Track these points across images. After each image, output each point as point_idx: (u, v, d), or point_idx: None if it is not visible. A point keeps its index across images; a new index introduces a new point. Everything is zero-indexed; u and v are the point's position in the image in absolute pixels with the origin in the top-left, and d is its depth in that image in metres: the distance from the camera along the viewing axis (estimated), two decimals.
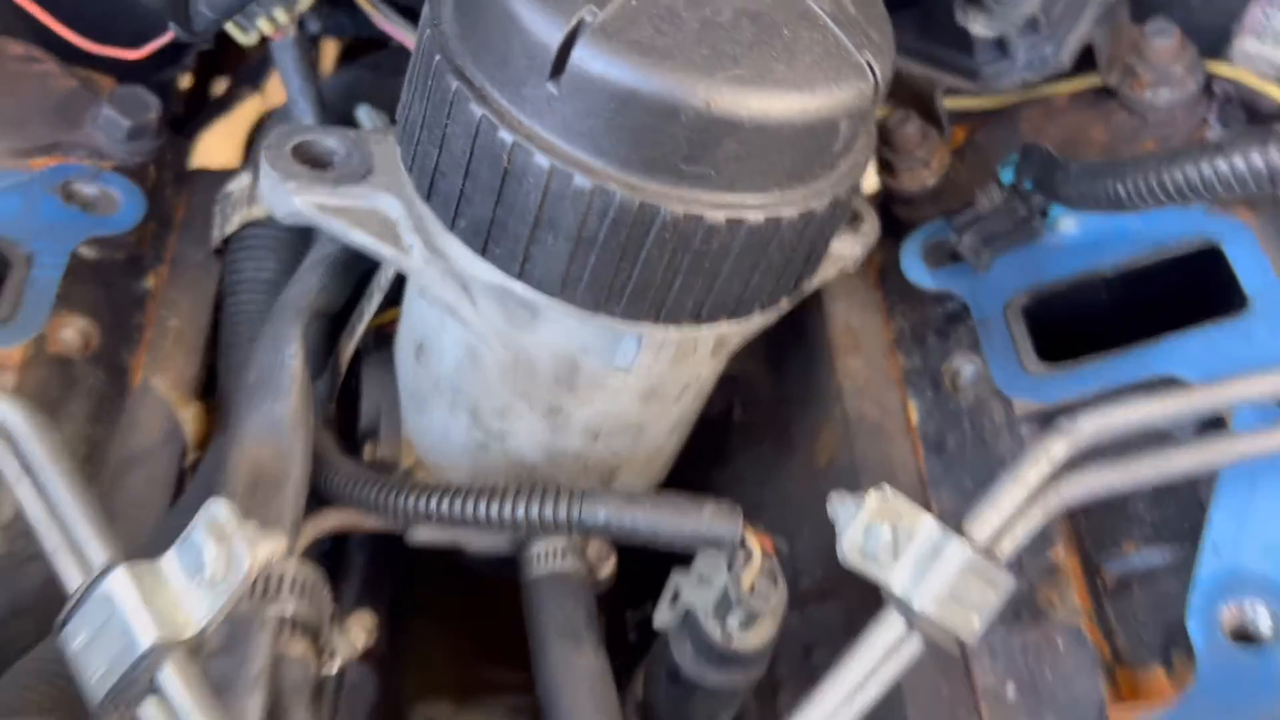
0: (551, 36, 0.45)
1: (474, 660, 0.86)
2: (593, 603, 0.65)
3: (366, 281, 0.67)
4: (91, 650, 0.48)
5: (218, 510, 0.48)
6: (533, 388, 0.59)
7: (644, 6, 0.45)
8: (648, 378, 0.59)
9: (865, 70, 0.48)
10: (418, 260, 0.56)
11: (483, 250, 0.51)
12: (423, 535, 0.67)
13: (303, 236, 0.77)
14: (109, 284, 0.74)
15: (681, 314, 0.53)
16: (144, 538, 0.63)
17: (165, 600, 0.48)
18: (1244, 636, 0.56)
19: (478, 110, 0.47)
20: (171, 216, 0.80)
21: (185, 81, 0.99)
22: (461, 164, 0.49)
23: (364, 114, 0.75)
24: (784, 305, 0.59)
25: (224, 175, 0.83)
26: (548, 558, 0.66)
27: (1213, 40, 0.75)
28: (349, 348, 0.67)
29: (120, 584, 0.48)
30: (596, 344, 0.55)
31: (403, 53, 0.67)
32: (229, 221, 0.77)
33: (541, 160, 0.47)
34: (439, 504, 0.60)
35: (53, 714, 0.49)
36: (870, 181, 0.78)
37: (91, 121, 0.76)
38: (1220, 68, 0.73)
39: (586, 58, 0.45)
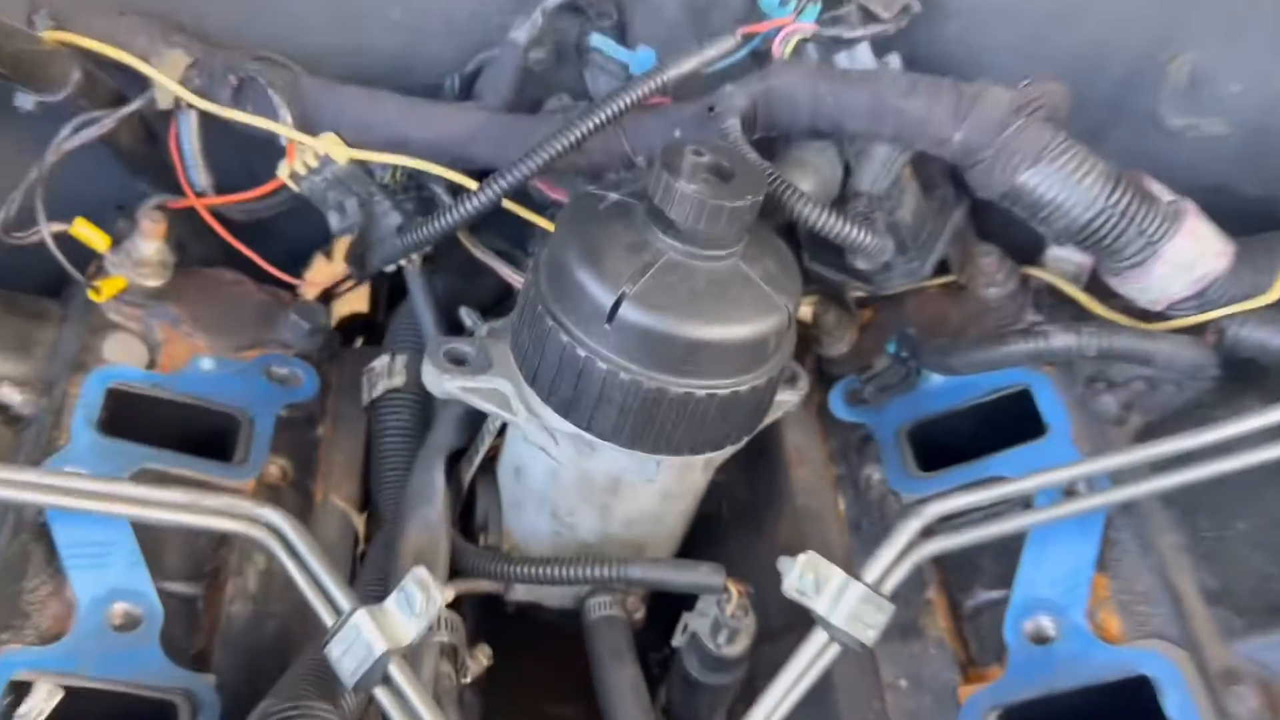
0: (608, 301, 0.81)
1: (544, 696, 1.19)
2: (631, 636, 1.00)
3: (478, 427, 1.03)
4: (345, 658, 0.81)
5: (422, 574, 0.82)
6: (591, 494, 0.95)
7: (657, 283, 0.82)
8: (664, 486, 0.94)
9: (782, 309, 0.85)
10: (522, 418, 0.92)
11: (565, 415, 0.87)
12: (518, 594, 1.01)
13: (426, 398, 1.13)
14: (297, 434, 1.09)
15: (684, 448, 0.88)
16: None
17: (389, 626, 0.81)
18: (1039, 639, 0.90)
19: (564, 339, 0.84)
20: (331, 385, 1.17)
21: None
22: (554, 367, 0.85)
23: (465, 314, 1.11)
24: (747, 438, 0.95)
25: (367, 354, 1.20)
26: (600, 606, 1.00)
27: (1033, 249, 1.12)
28: (469, 473, 1.02)
29: (361, 618, 0.82)
30: (632, 467, 0.90)
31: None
32: (375, 388, 1.13)
33: (602, 366, 0.83)
34: (531, 570, 0.94)
35: (321, 698, 0.82)
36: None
37: (282, 324, 1.13)
38: (1033, 270, 1.10)
39: (628, 312, 0.81)
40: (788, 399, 1.02)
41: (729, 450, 0.94)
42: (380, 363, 1.15)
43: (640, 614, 1.04)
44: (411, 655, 0.86)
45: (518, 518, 1.02)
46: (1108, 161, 0.91)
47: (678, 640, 0.95)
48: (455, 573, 0.98)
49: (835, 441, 1.13)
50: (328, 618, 0.84)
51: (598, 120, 0.95)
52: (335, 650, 0.82)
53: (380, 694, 0.82)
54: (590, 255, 0.83)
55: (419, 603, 0.82)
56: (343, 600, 0.84)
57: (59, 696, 0.80)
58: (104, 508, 0.86)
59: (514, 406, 0.92)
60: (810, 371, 1.12)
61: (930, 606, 0.97)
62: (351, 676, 0.81)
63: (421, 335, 1.14)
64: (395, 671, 0.81)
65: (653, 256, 0.83)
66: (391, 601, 0.83)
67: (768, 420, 1.00)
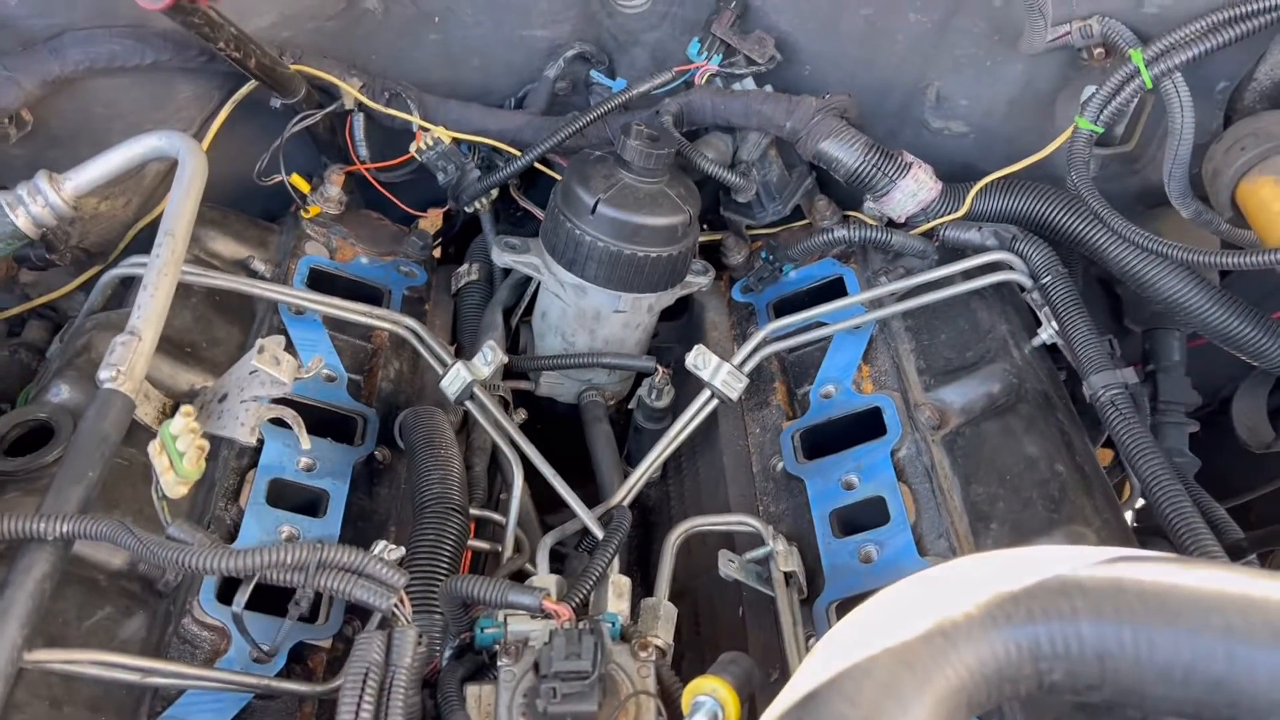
0: (591, 202, 1.55)
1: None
2: (606, 411, 1.72)
3: (522, 291, 1.77)
4: (450, 386, 1.54)
5: (492, 342, 1.55)
6: (584, 323, 1.68)
7: (618, 194, 1.55)
8: (625, 317, 1.67)
9: (687, 212, 1.58)
10: (546, 277, 1.65)
11: (569, 269, 1.61)
12: (541, 388, 1.75)
13: (488, 288, 1.87)
14: (414, 305, 1.84)
15: (636, 288, 1.61)
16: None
17: (474, 369, 1.54)
18: (826, 396, 1.62)
19: (569, 225, 1.58)
20: (432, 281, 1.91)
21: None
22: (564, 242, 1.59)
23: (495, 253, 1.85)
24: (677, 291, 1.67)
25: (450, 269, 1.95)
26: (589, 396, 1.73)
27: (855, 202, 1.85)
28: (516, 316, 1.76)
29: (459, 365, 1.54)
30: (607, 302, 1.63)
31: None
32: (459, 282, 1.88)
33: (589, 239, 1.56)
34: (546, 362, 1.68)
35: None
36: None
37: (406, 242, 1.89)
38: (853, 214, 1.83)
39: (602, 209, 1.55)
40: (700, 281, 1.76)
41: (663, 297, 1.66)
42: (462, 268, 1.90)
43: (614, 403, 1.77)
44: (486, 389, 1.58)
45: (542, 343, 1.76)
46: (869, 137, 1.65)
47: (632, 404, 1.68)
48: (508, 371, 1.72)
49: (735, 315, 1.85)
50: (440, 369, 1.58)
51: (591, 118, 1.71)
52: (445, 382, 1.55)
53: (470, 405, 1.55)
54: (583, 180, 1.58)
55: (490, 357, 1.56)
56: (448, 359, 1.58)
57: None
58: (318, 308, 1.60)
59: (541, 269, 1.66)
60: (723, 278, 1.86)
61: (775, 390, 1.68)
62: (454, 395, 1.54)
63: (486, 252, 1.89)
64: (478, 391, 1.54)
65: (616, 180, 1.57)
66: (475, 358, 1.56)
67: (687, 292, 1.73)
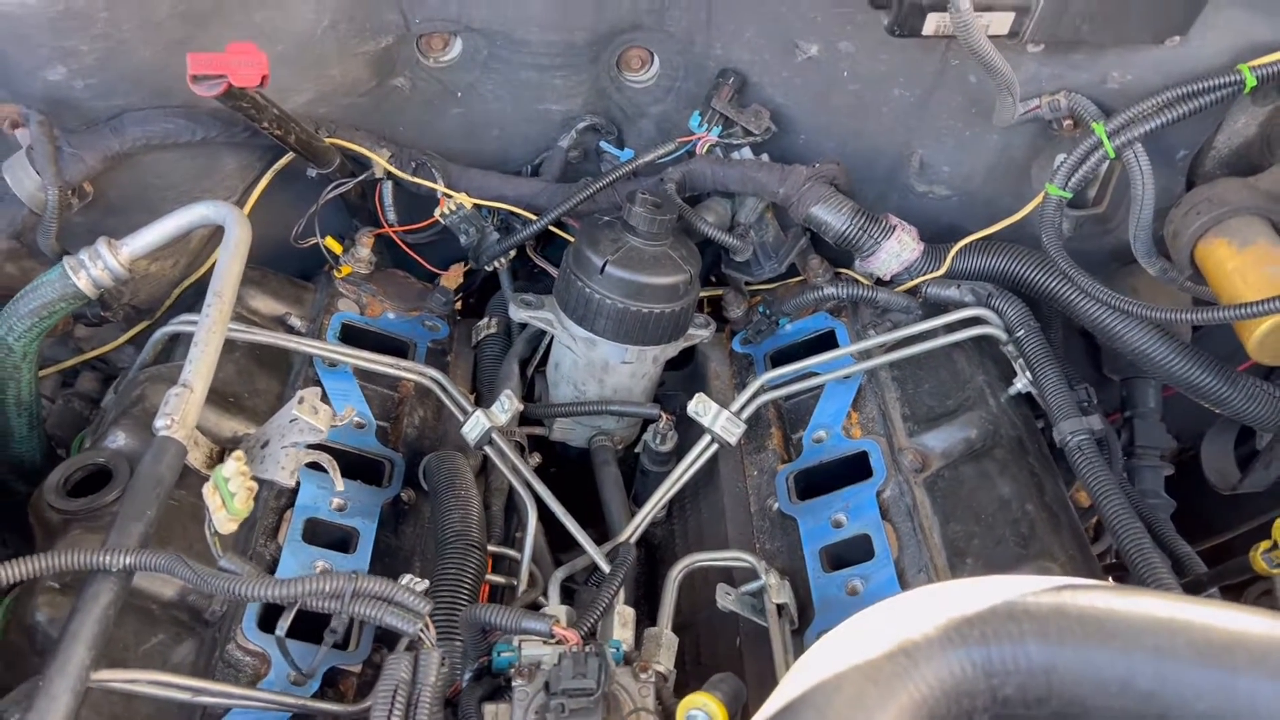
0: (600, 263, 1.69)
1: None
2: (615, 455, 1.85)
3: (537, 343, 1.91)
4: (470, 432, 1.67)
5: (509, 393, 1.69)
6: (593, 373, 1.81)
7: (624, 256, 1.70)
8: (632, 368, 1.80)
9: (688, 272, 1.72)
10: (559, 331, 1.79)
11: (580, 324, 1.74)
12: (555, 434, 1.88)
13: (506, 340, 2.01)
14: (438, 355, 1.98)
15: (642, 341, 1.74)
16: None
17: (493, 416, 1.67)
18: (818, 440, 1.74)
19: (580, 284, 1.72)
20: (454, 334, 2.06)
21: None
22: (575, 299, 1.73)
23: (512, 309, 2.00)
24: (680, 343, 1.81)
25: (470, 322, 2.09)
26: (599, 440, 1.86)
27: (848, 260, 1.99)
28: (531, 366, 1.90)
29: (479, 413, 1.67)
30: (615, 354, 1.77)
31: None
32: (479, 335, 2.02)
33: (598, 297, 1.70)
34: (559, 410, 1.81)
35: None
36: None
37: (430, 299, 2.03)
38: (845, 271, 1.97)
39: (610, 270, 1.69)
40: (702, 334, 1.89)
41: (667, 349, 1.80)
42: (482, 322, 2.04)
43: (622, 447, 1.89)
44: (503, 434, 1.71)
45: (555, 392, 1.89)
46: (856, 203, 1.79)
47: (638, 449, 1.81)
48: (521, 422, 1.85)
49: (736, 365, 1.98)
50: (461, 417, 1.71)
51: (601, 185, 1.86)
52: (466, 429, 1.69)
53: (488, 449, 1.68)
54: (592, 243, 1.72)
55: (507, 405, 1.69)
56: (469, 407, 1.71)
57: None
58: (349, 360, 1.75)
59: (555, 324, 1.80)
60: (725, 330, 2.00)
61: (771, 435, 1.81)
62: (473, 441, 1.68)
63: (504, 306, 2.03)
64: (495, 436, 1.67)
65: (623, 243, 1.71)
66: (493, 406, 1.70)
67: (689, 344, 1.87)
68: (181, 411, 1.40)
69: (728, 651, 1.58)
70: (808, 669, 1.09)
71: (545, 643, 1.29)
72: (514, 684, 1.24)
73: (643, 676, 1.25)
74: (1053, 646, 1.02)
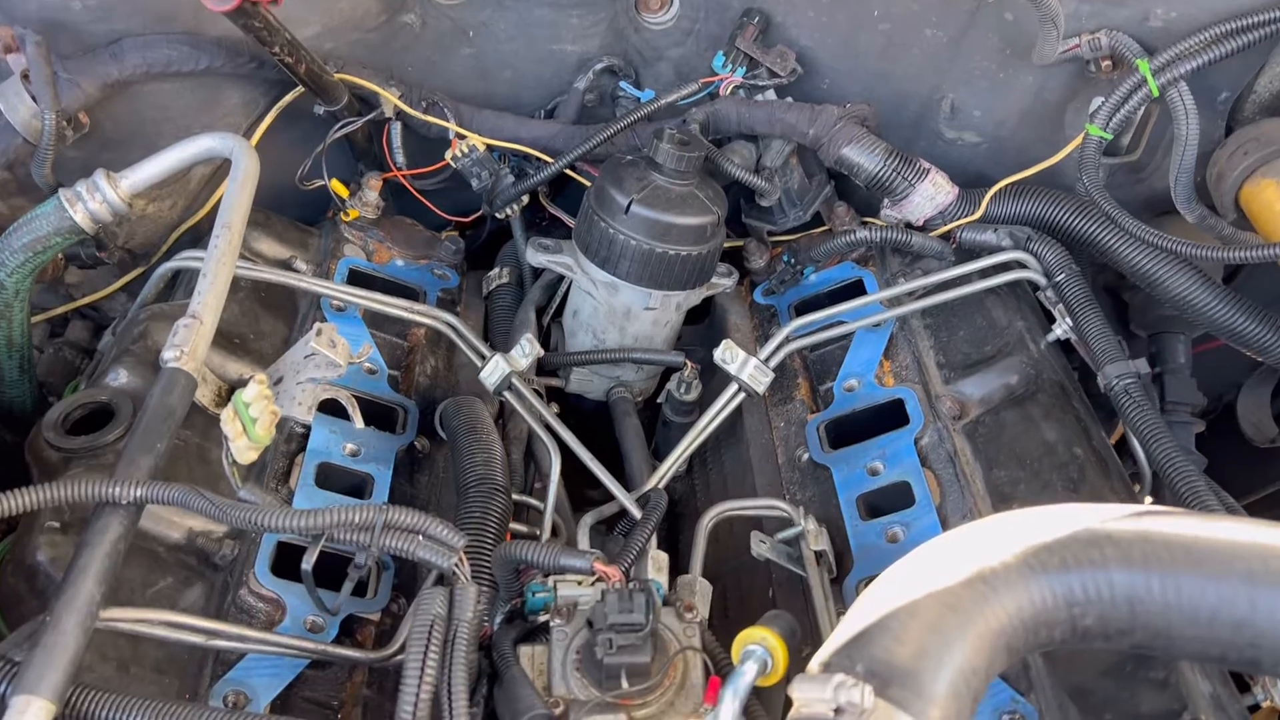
0: (625, 202, 1.62)
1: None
2: (634, 406, 1.78)
3: (553, 291, 1.84)
4: (489, 378, 1.59)
5: (530, 335, 1.61)
6: (614, 320, 1.74)
7: (650, 195, 1.63)
8: (655, 315, 1.73)
9: (715, 213, 1.66)
10: (578, 275, 1.72)
11: (602, 267, 1.67)
12: (571, 385, 1.80)
13: (518, 290, 1.93)
14: (447, 306, 1.90)
15: (665, 285, 1.67)
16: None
17: (513, 361, 1.59)
18: (849, 389, 1.68)
19: (603, 225, 1.65)
20: (464, 285, 1.98)
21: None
22: (598, 241, 1.66)
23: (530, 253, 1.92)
24: (703, 290, 1.74)
25: (479, 274, 2.01)
26: (618, 392, 1.79)
27: (873, 209, 1.93)
28: (548, 314, 1.83)
29: (498, 358, 1.60)
30: (637, 299, 1.70)
31: None
32: (490, 285, 1.94)
33: (622, 238, 1.63)
34: (584, 363, 1.74)
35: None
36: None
37: (439, 246, 1.95)
38: (871, 220, 1.91)
39: (635, 209, 1.62)
40: (725, 282, 1.83)
41: (691, 295, 1.73)
42: (493, 272, 1.97)
43: (641, 400, 1.82)
44: (523, 380, 1.64)
45: (573, 341, 1.82)
46: (889, 144, 1.73)
47: (661, 398, 1.74)
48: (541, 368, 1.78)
49: (757, 317, 1.92)
50: (479, 362, 1.63)
51: (623, 125, 1.79)
52: (485, 374, 1.61)
53: (508, 395, 1.61)
54: (617, 181, 1.65)
55: (528, 349, 1.62)
56: (486, 351, 1.64)
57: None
58: (361, 303, 1.66)
59: (574, 269, 1.73)
60: (744, 282, 1.94)
61: (799, 385, 1.74)
62: (493, 386, 1.60)
63: (515, 257, 1.96)
64: (516, 381, 1.60)
65: (649, 182, 1.64)
66: (513, 350, 1.63)
67: (712, 292, 1.80)
68: (191, 343, 1.31)
69: (759, 601, 1.52)
70: (882, 595, 1.03)
71: (581, 583, 1.22)
72: (552, 624, 1.17)
73: (688, 616, 1.18)
74: (1137, 573, 0.96)
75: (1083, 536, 0.96)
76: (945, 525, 1.41)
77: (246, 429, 1.11)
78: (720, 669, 1.15)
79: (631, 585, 1.12)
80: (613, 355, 1.74)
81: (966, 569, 0.98)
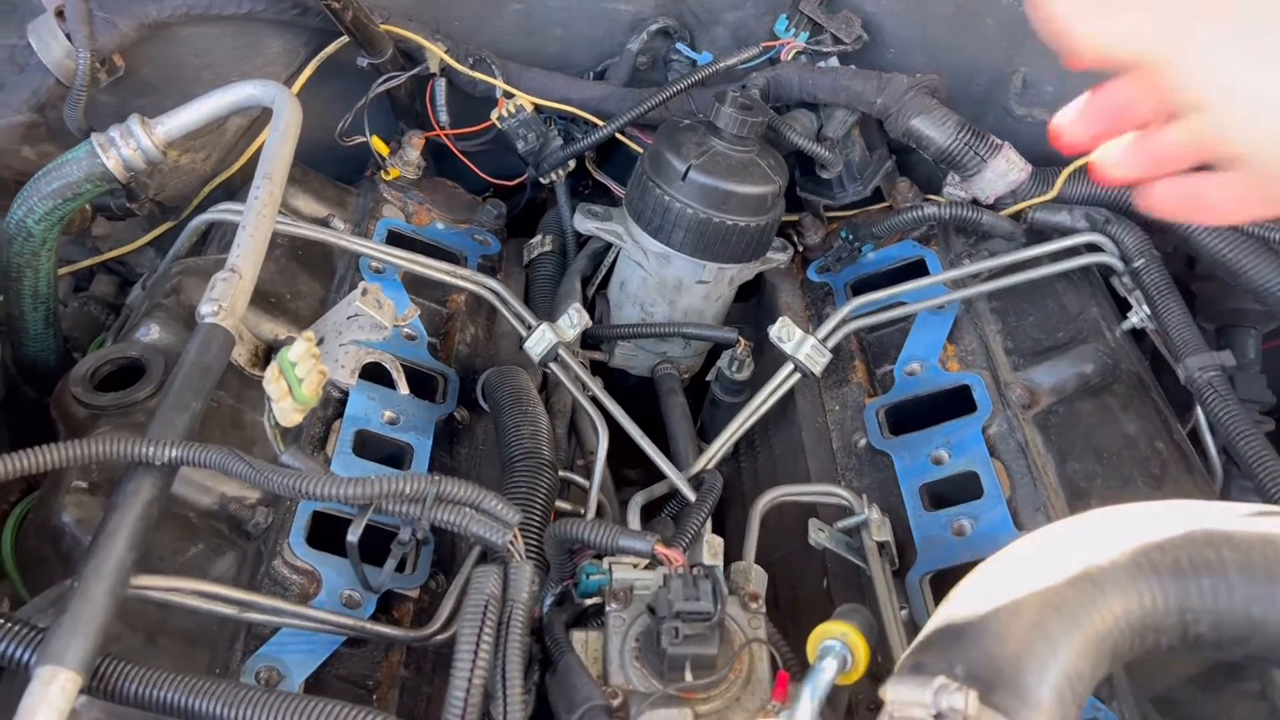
0: (683, 169, 1.54)
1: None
2: (680, 384, 1.70)
3: (599, 261, 1.76)
4: (534, 348, 1.52)
5: (578, 305, 1.54)
6: (664, 293, 1.66)
7: (709, 161, 1.54)
8: (707, 289, 1.65)
9: (776, 182, 1.57)
10: (628, 245, 1.64)
11: (655, 236, 1.59)
12: (615, 360, 1.73)
13: (560, 259, 1.85)
14: (488, 273, 1.82)
15: (720, 258, 1.59)
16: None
17: (559, 330, 1.52)
18: (910, 373, 1.60)
19: (658, 191, 1.57)
20: (505, 253, 1.90)
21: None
22: (651, 208, 1.58)
23: (577, 219, 1.84)
24: (758, 265, 1.66)
25: (521, 242, 1.93)
26: (664, 369, 1.71)
27: (934, 187, 1.84)
28: (590, 289, 1.75)
29: (544, 327, 1.52)
30: (689, 271, 1.62)
31: None
32: (532, 253, 1.87)
33: (678, 205, 1.55)
34: (632, 336, 1.66)
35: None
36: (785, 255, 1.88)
37: (480, 209, 1.87)
38: (933, 197, 1.82)
39: (693, 175, 1.54)
40: (781, 257, 1.75)
41: (746, 269, 1.65)
42: (535, 239, 1.89)
43: (687, 376, 1.75)
44: (570, 351, 1.56)
45: (619, 314, 1.74)
46: (960, 117, 1.64)
47: (710, 376, 1.67)
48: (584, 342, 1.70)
49: (810, 297, 1.84)
50: (524, 331, 1.56)
51: (681, 88, 1.70)
52: (530, 344, 1.54)
53: (554, 366, 1.53)
54: (674, 146, 1.57)
55: (576, 320, 1.54)
56: (532, 320, 1.56)
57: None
58: (403, 264, 1.59)
59: (624, 237, 1.65)
60: (796, 259, 1.86)
61: (855, 368, 1.67)
62: (538, 356, 1.53)
63: (558, 224, 1.88)
64: (563, 353, 1.53)
65: (708, 147, 1.56)
66: (560, 319, 1.55)
67: (767, 266, 1.72)
68: (230, 298, 1.24)
69: (812, 593, 1.45)
70: (978, 591, 0.95)
71: (637, 565, 1.15)
72: (608, 609, 1.09)
73: (753, 606, 1.11)
74: (1259, 580, 0.88)
75: (1198, 537, 0.88)
76: (1016, 519, 1.34)
77: (292, 390, 1.04)
78: (786, 663, 1.08)
79: (696, 571, 1.04)
80: (663, 329, 1.66)
81: (1072, 566, 0.90)
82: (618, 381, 1.78)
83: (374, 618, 1.23)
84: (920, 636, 0.94)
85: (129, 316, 1.52)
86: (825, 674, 0.93)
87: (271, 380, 1.04)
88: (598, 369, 1.76)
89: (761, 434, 1.71)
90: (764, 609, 1.11)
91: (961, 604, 0.95)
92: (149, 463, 1.07)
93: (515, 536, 1.04)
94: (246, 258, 1.29)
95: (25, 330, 1.54)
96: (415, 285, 1.66)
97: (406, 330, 1.58)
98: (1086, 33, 0.84)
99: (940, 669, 0.85)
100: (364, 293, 1.26)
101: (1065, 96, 1.76)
